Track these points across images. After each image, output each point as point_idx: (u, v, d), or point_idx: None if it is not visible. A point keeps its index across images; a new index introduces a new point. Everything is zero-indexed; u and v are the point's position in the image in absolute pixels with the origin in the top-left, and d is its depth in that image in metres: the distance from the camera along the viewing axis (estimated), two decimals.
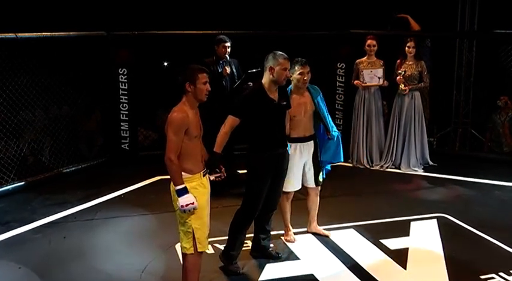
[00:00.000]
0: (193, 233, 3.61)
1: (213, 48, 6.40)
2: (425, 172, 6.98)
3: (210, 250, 4.68)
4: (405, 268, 4.40)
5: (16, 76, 6.45)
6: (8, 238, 5.05)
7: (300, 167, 4.76)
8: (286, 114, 4.48)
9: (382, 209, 5.25)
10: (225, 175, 4.00)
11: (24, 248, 4.85)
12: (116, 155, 7.42)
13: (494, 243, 4.87)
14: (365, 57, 7.13)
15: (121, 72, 7.30)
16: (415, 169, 7.03)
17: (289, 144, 4.54)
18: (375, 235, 4.96)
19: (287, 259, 4.60)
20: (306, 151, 4.76)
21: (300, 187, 4.82)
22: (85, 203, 5.90)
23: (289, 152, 4.52)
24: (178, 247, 4.74)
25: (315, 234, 5.02)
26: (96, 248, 4.85)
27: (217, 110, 5.73)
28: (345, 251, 4.71)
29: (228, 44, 6.31)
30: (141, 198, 6.09)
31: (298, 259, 4.62)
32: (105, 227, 5.33)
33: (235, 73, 6.38)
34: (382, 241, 4.86)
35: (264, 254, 4.58)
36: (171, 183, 3.61)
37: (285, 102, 4.29)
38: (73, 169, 7.01)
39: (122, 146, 7.42)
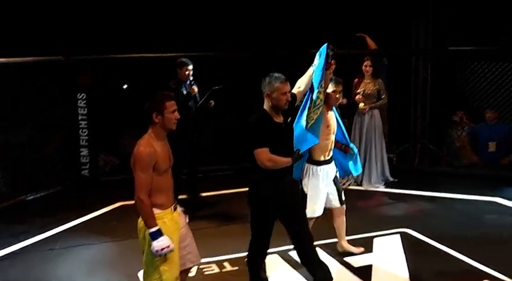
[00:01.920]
0: (161, 276, 3.37)
1: (175, 70, 6.40)
2: (386, 188, 7.08)
3: None
4: None
5: None
6: None
7: (326, 192, 4.65)
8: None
9: (346, 226, 5.27)
10: None
11: None
12: (75, 181, 7.27)
13: (455, 256, 4.95)
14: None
15: (80, 97, 7.21)
16: (377, 185, 7.12)
17: (317, 167, 4.50)
18: (339, 253, 4.97)
19: None
20: (332, 173, 4.68)
21: (321, 213, 4.67)
22: (45, 232, 5.74)
23: (317, 176, 4.49)
24: (140, 274, 4.66)
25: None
26: (58, 278, 4.71)
27: (184, 136, 5.77)
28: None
29: (191, 66, 6.33)
30: (102, 225, 5.97)
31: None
32: (67, 256, 5.18)
33: (197, 94, 6.40)
34: (346, 258, 4.89)
35: None
36: (140, 219, 3.38)
37: (289, 119, 3.99)
38: (31, 197, 6.82)
39: (82, 172, 7.28)
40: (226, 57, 8.11)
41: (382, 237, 5.37)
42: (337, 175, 4.77)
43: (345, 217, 4.90)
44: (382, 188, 7.06)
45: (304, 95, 4.29)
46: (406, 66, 8.22)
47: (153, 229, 3.25)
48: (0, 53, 6.43)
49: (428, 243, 5.25)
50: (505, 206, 6.42)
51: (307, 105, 4.29)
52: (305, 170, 4.54)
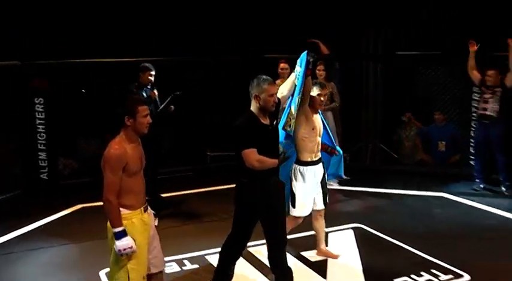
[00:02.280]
0: (128, 274, 3.35)
1: (137, 74, 6.39)
2: (340, 185, 7.21)
3: None
4: (325, 278, 4.54)
5: None
6: None
7: (314, 192, 4.66)
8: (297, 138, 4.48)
9: (302, 223, 5.38)
10: None
11: None
12: (34, 185, 7.15)
13: (405, 248, 5.13)
14: (279, 80, 7.33)
15: (37, 102, 7.09)
16: (331, 183, 7.26)
17: (304, 168, 4.54)
18: (296, 249, 5.04)
19: None
20: (319, 174, 4.67)
21: (309, 212, 4.72)
22: (4, 236, 5.62)
23: (304, 176, 4.53)
24: (102, 273, 4.65)
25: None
26: None
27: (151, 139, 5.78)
28: (267, 266, 4.75)
29: (153, 72, 6.33)
30: (62, 228, 5.89)
31: None
32: (26, 259, 5.09)
33: (157, 98, 6.41)
34: (303, 253, 4.99)
35: None
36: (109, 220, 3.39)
37: (275, 121, 4.00)
38: None
39: (41, 175, 7.17)
40: (186, 62, 8.12)
41: (337, 232, 5.51)
42: (325, 177, 4.79)
43: (324, 221, 4.91)
44: (336, 186, 7.19)
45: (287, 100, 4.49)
46: (358, 71, 8.42)
47: (118, 229, 3.26)
48: None
49: (380, 237, 5.42)
50: (452, 200, 6.71)
51: (287, 111, 4.49)
52: (293, 171, 4.57)
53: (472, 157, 7.36)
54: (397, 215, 6.22)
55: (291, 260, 4.81)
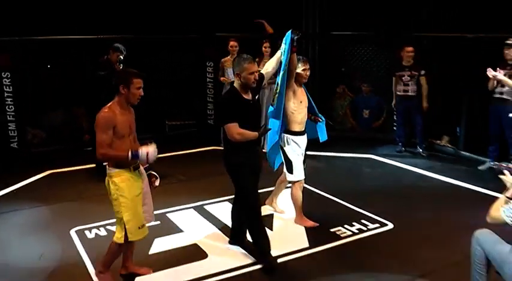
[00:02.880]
0: (124, 224, 3.42)
1: (107, 51, 6.16)
2: None
3: (103, 232, 4.58)
4: (272, 230, 4.62)
5: None
6: None
7: (301, 160, 4.58)
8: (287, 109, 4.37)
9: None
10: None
11: None
12: (5, 153, 6.85)
13: (340, 203, 5.28)
14: (229, 56, 7.25)
15: (4, 76, 6.75)
16: None
17: (293, 137, 4.49)
18: None
19: (173, 232, 4.59)
20: (304, 143, 4.61)
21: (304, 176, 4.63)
22: None
23: (295, 144, 4.48)
24: (72, 232, 4.56)
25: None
26: None
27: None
28: (220, 220, 4.81)
29: (122, 56, 6.09)
30: (33, 192, 5.69)
31: (182, 231, 4.63)
32: (1, 221, 4.89)
33: None
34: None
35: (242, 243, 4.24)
36: (107, 177, 3.42)
37: (257, 97, 3.92)
38: None
39: (11, 144, 6.88)
40: (143, 40, 7.87)
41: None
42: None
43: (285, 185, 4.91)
44: None
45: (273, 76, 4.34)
46: (299, 48, 8.38)
47: (129, 156, 3.30)
48: None
49: (319, 193, 5.54)
50: (378, 161, 6.90)
51: (274, 86, 4.44)
52: (285, 140, 4.51)
53: (394, 124, 7.55)
54: (333, 174, 6.36)
55: None
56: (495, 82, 5.79)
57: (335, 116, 8.51)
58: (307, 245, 4.30)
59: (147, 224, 3.68)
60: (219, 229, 4.65)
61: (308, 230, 4.59)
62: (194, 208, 5.15)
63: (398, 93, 7.10)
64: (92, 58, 6.20)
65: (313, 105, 4.78)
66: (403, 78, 6.95)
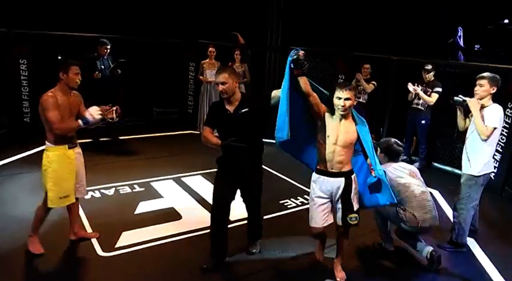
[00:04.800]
0: (47, 193, 3.20)
1: (95, 47, 5.94)
2: None
3: (97, 195, 4.46)
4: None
5: None
6: None
7: (318, 204, 3.04)
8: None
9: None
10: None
11: None
12: (19, 126, 6.54)
13: (287, 180, 5.28)
14: (207, 60, 7.14)
15: (22, 62, 6.42)
16: None
17: (315, 176, 3.03)
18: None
19: (155, 197, 4.52)
20: (337, 188, 2.98)
21: (321, 224, 3.07)
22: None
23: (313, 184, 3.04)
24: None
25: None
26: (5, 199, 4.28)
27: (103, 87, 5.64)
28: (194, 190, 4.76)
29: (109, 46, 5.94)
30: (40, 158, 5.45)
31: (162, 197, 4.56)
32: (11, 182, 4.71)
33: (111, 64, 6.01)
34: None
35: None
36: (44, 150, 3.21)
37: (245, 110, 3.05)
38: None
39: (24, 119, 6.57)
40: (133, 42, 7.62)
41: None
42: (351, 198, 3.00)
43: (345, 241, 3.19)
44: None
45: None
46: (263, 56, 8.36)
47: (80, 122, 3.12)
48: None
49: (270, 172, 5.42)
50: None
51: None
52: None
53: None
54: (283, 155, 6.35)
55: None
56: (413, 95, 5.93)
57: None
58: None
59: (85, 197, 3.51)
60: (192, 197, 4.60)
61: (262, 201, 4.56)
62: (173, 179, 5.08)
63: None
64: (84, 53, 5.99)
65: (370, 152, 2.97)
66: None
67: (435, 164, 6.26)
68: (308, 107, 2.95)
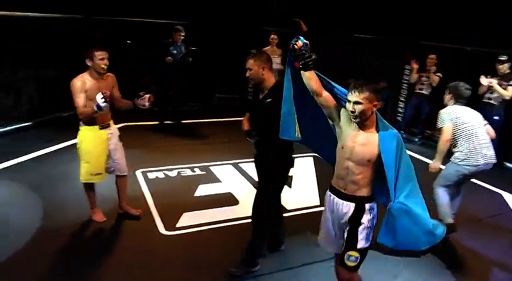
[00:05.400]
0: (80, 168, 3.43)
1: (171, 33, 6.13)
2: None
3: (161, 175, 4.64)
4: (291, 187, 4.57)
5: None
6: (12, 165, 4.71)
7: (329, 227, 2.47)
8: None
9: None
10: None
11: (25, 173, 4.55)
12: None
13: None
14: (269, 46, 7.10)
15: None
16: None
17: (328, 192, 2.46)
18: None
19: (213, 181, 4.62)
20: (342, 212, 2.38)
21: (332, 250, 2.56)
22: (67, 141, 5.42)
23: (326, 200, 2.48)
24: (138, 173, 4.66)
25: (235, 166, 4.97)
26: (75, 174, 4.57)
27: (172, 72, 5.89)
28: (251, 177, 4.77)
29: (183, 33, 6.10)
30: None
31: (221, 181, 4.66)
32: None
33: (183, 51, 6.18)
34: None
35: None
36: (78, 133, 3.38)
37: (269, 100, 2.86)
38: (66, 114, 6.13)
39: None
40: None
41: (300, 158, 5.33)
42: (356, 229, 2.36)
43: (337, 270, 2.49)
44: None
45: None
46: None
47: (95, 107, 3.18)
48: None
49: None
50: None
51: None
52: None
53: (398, 114, 7.26)
54: None
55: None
56: (486, 88, 5.48)
57: None
58: (318, 203, 4.24)
59: (122, 174, 3.62)
60: (249, 182, 4.65)
61: (320, 186, 4.54)
62: (232, 164, 5.16)
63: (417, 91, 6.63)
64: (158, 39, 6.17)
65: (392, 177, 2.25)
66: (423, 78, 6.56)
67: (507, 164, 5.78)
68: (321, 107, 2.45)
